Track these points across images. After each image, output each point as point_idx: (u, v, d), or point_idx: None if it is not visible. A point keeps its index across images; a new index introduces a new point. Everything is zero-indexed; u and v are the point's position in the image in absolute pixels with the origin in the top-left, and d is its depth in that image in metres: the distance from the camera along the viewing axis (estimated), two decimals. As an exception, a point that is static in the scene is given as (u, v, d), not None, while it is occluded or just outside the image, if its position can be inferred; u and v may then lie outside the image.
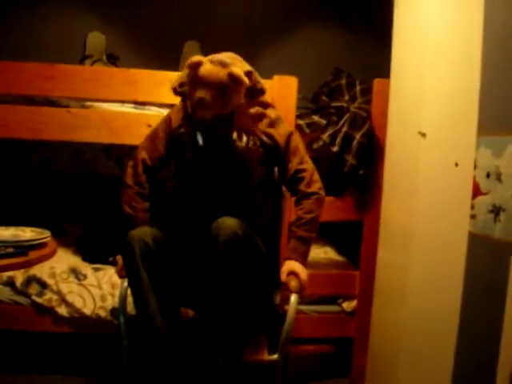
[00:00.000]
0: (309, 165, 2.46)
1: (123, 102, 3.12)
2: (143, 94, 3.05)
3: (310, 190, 2.40)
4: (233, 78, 2.14)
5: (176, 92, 2.35)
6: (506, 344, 2.12)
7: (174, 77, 2.49)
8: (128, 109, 3.13)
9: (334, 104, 3.35)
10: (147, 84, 3.05)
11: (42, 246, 2.28)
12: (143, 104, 3.11)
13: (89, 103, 3.11)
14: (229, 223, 2.12)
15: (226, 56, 2.22)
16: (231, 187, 2.37)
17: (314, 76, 3.60)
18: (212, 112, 2.23)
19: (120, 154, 3.92)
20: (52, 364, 3.15)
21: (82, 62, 3.77)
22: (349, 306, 3.32)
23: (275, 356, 2.30)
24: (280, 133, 2.43)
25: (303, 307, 3.21)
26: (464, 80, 2.50)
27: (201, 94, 2.18)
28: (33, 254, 2.18)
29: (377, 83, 3.20)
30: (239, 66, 2.20)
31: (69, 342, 3.17)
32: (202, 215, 2.37)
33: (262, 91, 2.34)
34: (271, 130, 2.41)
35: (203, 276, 2.27)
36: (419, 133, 2.58)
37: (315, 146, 3.17)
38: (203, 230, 2.24)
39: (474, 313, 2.42)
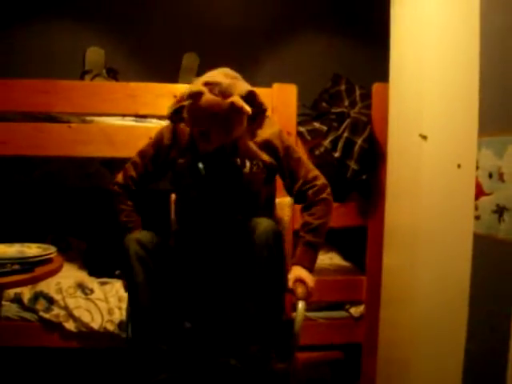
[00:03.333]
0: (316, 173, 2.43)
1: (124, 115, 3.14)
2: (144, 107, 3.06)
3: (320, 197, 2.38)
4: (235, 109, 2.08)
5: (172, 120, 2.30)
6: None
7: (173, 89, 2.49)
8: (129, 122, 3.14)
9: (334, 110, 3.36)
10: (147, 97, 3.06)
11: (48, 261, 2.29)
12: (144, 117, 3.13)
13: (89, 118, 3.13)
14: (267, 221, 2.16)
15: (223, 76, 2.15)
16: (239, 212, 2.34)
17: (313, 83, 3.62)
18: (215, 144, 2.19)
19: (123, 167, 3.92)
20: (61, 380, 3.14)
21: (82, 77, 3.79)
22: (356, 311, 3.32)
23: (284, 364, 2.30)
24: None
25: (311, 314, 3.21)
26: (463, 81, 2.50)
27: (204, 126, 2.14)
28: (39, 270, 2.18)
29: (376, 88, 3.21)
30: (239, 90, 2.13)
31: (77, 357, 3.17)
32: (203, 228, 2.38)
33: (263, 112, 2.29)
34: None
35: (209, 284, 2.29)
36: (420, 135, 2.58)
37: (317, 152, 3.17)
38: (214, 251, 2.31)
39: (481, 313, 2.42)
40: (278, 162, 2.38)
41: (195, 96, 2.09)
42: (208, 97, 2.08)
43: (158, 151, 2.40)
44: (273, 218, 2.48)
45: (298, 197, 2.44)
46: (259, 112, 2.25)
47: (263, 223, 2.14)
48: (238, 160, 2.31)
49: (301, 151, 2.52)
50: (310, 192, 2.38)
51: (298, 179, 2.40)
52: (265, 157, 2.34)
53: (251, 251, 2.12)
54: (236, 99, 2.07)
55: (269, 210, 2.47)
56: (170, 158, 2.37)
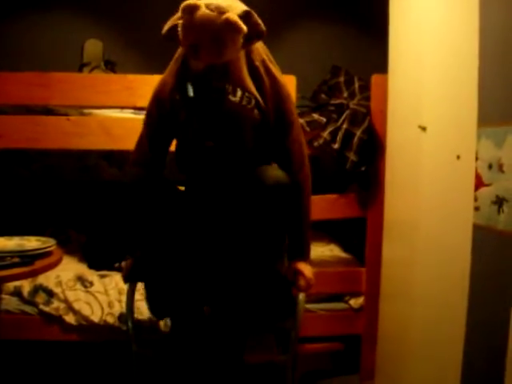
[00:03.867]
0: (301, 145, 2.31)
1: (122, 108, 3.13)
2: (142, 100, 3.03)
3: (297, 178, 2.23)
4: (230, 24, 1.96)
5: (166, 38, 2.14)
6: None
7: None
8: (127, 114, 3.13)
9: (333, 101, 3.35)
10: (146, 89, 3.01)
11: (48, 254, 2.29)
12: (142, 109, 3.11)
13: (88, 110, 3.12)
14: (276, 171, 2.11)
15: (223, 0, 2.02)
16: (224, 143, 2.22)
17: (312, 74, 3.61)
18: (205, 61, 2.09)
19: (121, 159, 3.92)
20: (61, 372, 3.15)
21: (80, 69, 3.78)
22: (356, 302, 3.32)
23: (284, 355, 2.31)
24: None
25: (311, 306, 3.21)
26: (462, 72, 2.49)
27: (195, 40, 2.01)
28: (39, 263, 2.19)
29: (375, 79, 3.20)
30: (236, 10, 2.01)
31: (77, 350, 3.17)
32: (203, 172, 2.29)
33: (259, 35, 2.10)
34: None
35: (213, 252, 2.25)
36: (419, 127, 2.57)
37: (316, 143, 3.17)
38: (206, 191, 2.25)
39: (481, 305, 2.42)
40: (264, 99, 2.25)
41: (190, 10, 1.98)
42: (203, 11, 1.97)
43: (159, 103, 2.31)
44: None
45: (279, 161, 2.31)
46: (255, 35, 2.09)
47: (273, 173, 2.08)
48: (229, 86, 2.18)
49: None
50: (291, 169, 2.24)
51: (281, 145, 2.29)
52: (257, 94, 2.21)
53: (258, 204, 2.06)
54: (231, 15, 1.96)
55: (260, 161, 2.29)
56: (172, 100, 2.27)
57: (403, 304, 2.80)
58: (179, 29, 2.04)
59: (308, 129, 3.16)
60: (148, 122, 2.37)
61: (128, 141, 2.93)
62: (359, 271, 3.33)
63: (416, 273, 2.65)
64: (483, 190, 2.38)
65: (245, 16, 2.01)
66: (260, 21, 2.06)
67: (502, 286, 2.21)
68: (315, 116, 3.24)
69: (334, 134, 3.17)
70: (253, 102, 2.19)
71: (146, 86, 3.04)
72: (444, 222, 2.55)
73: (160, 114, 2.30)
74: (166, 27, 2.14)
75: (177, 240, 2.21)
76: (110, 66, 3.85)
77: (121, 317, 2.98)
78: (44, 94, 3.00)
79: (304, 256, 2.30)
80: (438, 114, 2.55)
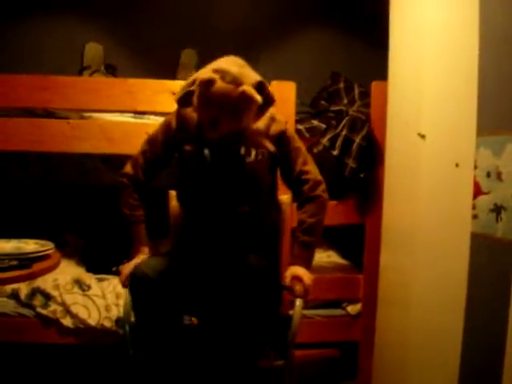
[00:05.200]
0: (312, 166, 2.44)
1: (122, 111, 3.13)
2: (142, 104, 3.06)
3: (313, 194, 2.38)
4: (246, 98, 2.08)
5: (181, 104, 2.27)
6: (511, 340, 2.11)
7: (172, 86, 2.49)
8: (127, 118, 3.14)
9: (332, 108, 3.36)
10: (146, 93, 3.05)
11: (46, 257, 2.29)
12: (142, 113, 3.12)
13: (88, 114, 3.12)
14: (259, 260, 2.23)
15: (232, 63, 2.15)
16: (243, 200, 2.35)
17: (312, 81, 3.61)
18: (224, 131, 2.18)
19: (120, 163, 3.91)
20: (58, 376, 3.14)
21: (80, 73, 3.79)
22: (353, 309, 3.32)
23: (281, 361, 2.30)
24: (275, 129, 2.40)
25: (308, 311, 3.21)
26: (462, 80, 2.50)
27: (214, 114, 2.12)
28: (36, 266, 2.19)
29: (375, 86, 3.20)
30: (249, 79, 2.12)
31: (74, 354, 3.17)
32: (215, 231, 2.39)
33: (272, 102, 2.25)
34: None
35: (210, 283, 2.29)
36: (419, 134, 2.58)
37: (315, 150, 3.17)
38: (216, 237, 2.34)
39: (478, 312, 2.42)
40: (280, 151, 2.40)
41: (207, 84, 2.07)
42: (220, 84, 2.06)
43: (167, 136, 2.41)
44: (275, 204, 2.54)
45: (293, 187, 2.46)
46: (267, 102, 2.22)
47: (256, 261, 2.20)
48: (243, 148, 2.31)
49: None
50: (306, 187, 2.39)
51: (294, 169, 2.40)
52: (269, 145, 2.35)
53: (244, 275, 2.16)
54: (247, 88, 2.07)
55: (272, 196, 2.52)
56: (178, 142, 2.38)
57: (401, 311, 2.80)
58: (195, 99, 2.14)
59: (307, 135, 3.17)
60: (149, 145, 2.47)
61: (128, 145, 2.95)
62: (357, 278, 3.33)
63: (414, 280, 2.65)
64: (481, 198, 2.38)
65: (258, 85, 2.13)
66: (270, 90, 2.21)
67: (499, 293, 2.21)
68: (315, 122, 3.25)
69: (333, 140, 3.18)
70: (265, 153, 2.35)
71: (146, 90, 3.06)
72: (442, 230, 2.55)
73: (164, 143, 2.43)
74: (179, 93, 2.22)
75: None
76: (111, 70, 3.86)
77: (118, 321, 2.98)
78: (45, 97, 3.00)
79: (306, 263, 2.32)
80: (437, 122, 2.55)
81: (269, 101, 2.21)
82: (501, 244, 2.23)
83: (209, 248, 2.38)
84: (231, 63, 2.15)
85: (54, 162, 3.93)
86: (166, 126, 2.42)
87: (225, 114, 2.11)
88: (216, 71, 2.09)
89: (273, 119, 2.38)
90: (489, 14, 2.40)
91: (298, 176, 2.40)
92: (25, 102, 3.00)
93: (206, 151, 2.29)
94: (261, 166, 2.34)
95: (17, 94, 2.98)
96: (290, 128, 2.57)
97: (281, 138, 2.38)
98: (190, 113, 2.34)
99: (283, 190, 2.59)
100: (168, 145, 2.41)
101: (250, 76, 2.15)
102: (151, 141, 2.45)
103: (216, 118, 2.12)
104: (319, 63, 4.31)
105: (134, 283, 2.21)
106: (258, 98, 2.10)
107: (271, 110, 2.35)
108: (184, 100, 2.21)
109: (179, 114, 2.39)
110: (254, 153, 2.31)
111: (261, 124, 2.34)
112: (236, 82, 2.07)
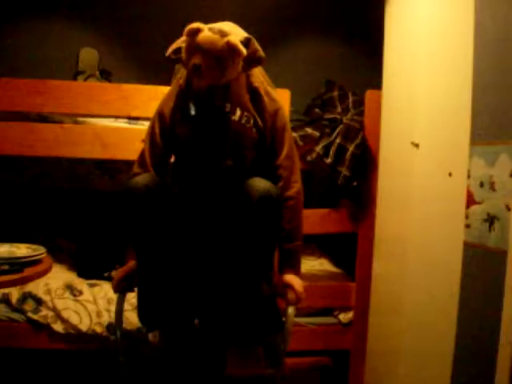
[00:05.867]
0: (291, 161, 2.36)
1: (117, 117, 3.13)
2: (136, 109, 3.05)
3: (287, 194, 2.29)
4: (230, 47, 2.06)
5: (171, 59, 2.23)
6: (502, 352, 2.12)
7: (166, 92, 2.47)
8: (121, 124, 3.13)
9: (326, 116, 3.36)
10: (140, 99, 3.05)
11: (37, 262, 2.28)
12: (136, 119, 3.12)
13: (82, 119, 3.12)
14: (264, 183, 2.14)
15: (225, 24, 2.16)
16: (226, 160, 2.29)
17: (306, 89, 3.62)
18: (207, 81, 2.17)
19: (114, 169, 3.91)
20: (48, 381, 3.13)
21: (75, 77, 3.78)
22: (345, 317, 3.32)
23: (272, 369, 2.30)
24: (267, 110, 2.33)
25: (300, 319, 3.21)
26: (456, 90, 2.51)
27: (197, 60, 2.10)
28: (28, 271, 2.18)
29: (369, 95, 3.21)
30: (237, 35, 2.12)
31: (65, 359, 3.15)
32: (198, 187, 2.34)
33: (259, 60, 2.20)
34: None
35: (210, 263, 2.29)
36: (412, 143, 2.59)
37: (309, 158, 3.17)
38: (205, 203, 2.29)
39: (470, 321, 2.43)
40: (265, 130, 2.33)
41: (193, 32, 2.09)
42: (205, 33, 2.09)
43: (161, 119, 2.38)
44: None
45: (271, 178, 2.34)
46: (254, 60, 2.19)
47: (260, 186, 2.12)
48: (228, 105, 2.27)
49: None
50: (279, 185, 2.30)
51: (274, 159, 2.34)
52: (255, 114, 2.30)
53: (246, 218, 2.12)
54: (232, 39, 2.07)
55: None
56: (173, 119, 2.35)
57: (392, 319, 2.80)
58: (183, 50, 2.14)
59: (301, 143, 3.17)
60: (150, 139, 2.42)
61: (122, 150, 2.94)
62: (349, 286, 3.33)
63: (406, 288, 2.65)
64: (474, 208, 2.39)
65: (246, 42, 2.12)
66: (260, 47, 2.17)
67: (491, 303, 2.22)
68: (309, 130, 3.25)
69: (326, 148, 3.18)
70: (251, 121, 2.28)
71: (140, 95, 3.05)
72: (435, 239, 2.56)
73: (162, 131, 2.37)
74: (170, 49, 2.21)
75: (169, 248, 2.24)
76: (105, 75, 3.85)
77: (109, 326, 2.97)
78: (39, 101, 2.99)
79: (295, 269, 2.30)
80: (430, 131, 2.56)
81: (256, 58, 2.18)
82: (493, 254, 2.24)
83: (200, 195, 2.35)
84: (225, 23, 2.18)
85: (47, 167, 3.92)
86: (158, 111, 2.40)
87: (208, 60, 2.09)
88: (207, 26, 2.12)
89: (268, 95, 2.33)
90: (484, 25, 2.41)
91: (275, 169, 2.33)
92: (19, 106, 2.99)
93: (191, 104, 2.28)
94: (244, 131, 2.28)
95: (11, 98, 2.97)
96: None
97: (274, 116, 2.33)
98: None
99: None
100: (165, 129, 2.37)
101: (239, 33, 2.16)
102: (149, 130, 2.41)
103: (199, 64, 2.10)
104: (313, 71, 4.32)
105: (132, 197, 2.17)
106: (243, 49, 2.08)
107: (271, 90, 2.34)
108: (174, 56, 2.20)
109: (168, 94, 2.40)
110: (238, 113, 2.27)
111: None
112: (222, 33, 2.08)
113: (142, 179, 2.19)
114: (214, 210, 2.30)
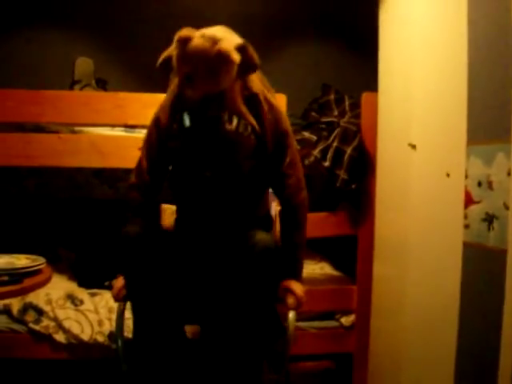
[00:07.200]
0: (296, 168, 2.34)
1: (113, 125, 3.13)
2: (133, 118, 3.06)
3: (295, 202, 2.31)
4: (222, 55, 1.97)
5: (161, 69, 2.15)
6: (504, 351, 2.11)
7: (162, 99, 2.46)
8: (118, 132, 3.14)
9: (323, 119, 3.37)
10: (137, 107, 3.05)
11: (37, 272, 2.27)
12: (133, 127, 3.12)
13: (79, 128, 3.12)
14: (265, 236, 2.15)
15: (218, 30, 2.07)
16: (222, 172, 2.26)
17: (303, 93, 3.63)
18: (199, 91, 2.09)
19: (113, 177, 3.91)
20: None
21: (71, 87, 3.78)
22: (347, 320, 3.31)
23: (275, 374, 2.29)
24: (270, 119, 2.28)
25: (301, 323, 3.20)
26: (452, 90, 2.51)
27: (188, 69, 2.02)
28: (28, 282, 2.17)
29: (365, 97, 3.21)
30: (231, 41, 2.04)
31: (67, 369, 3.15)
32: (199, 202, 2.33)
33: (253, 67, 2.12)
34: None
35: (207, 282, 2.28)
36: (409, 145, 2.59)
37: (306, 162, 3.17)
38: (204, 220, 2.30)
39: (472, 322, 2.42)
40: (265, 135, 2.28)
41: (184, 40, 2.01)
42: (196, 41, 2.00)
43: (158, 128, 2.34)
44: (263, 197, 2.45)
45: (276, 190, 2.38)
46: (249, 67, 2.11)
47: (262, 240, 2.12)
48: (225, 115, 2.21)
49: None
50: (287, 193, 2.31)
51: (278, 167, 2.31)
52: (253, 121, 2.24)
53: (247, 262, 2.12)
54: (224, 46, 1.98)
55: (256, 185, 2.37)
56: (169, 129, 2.31)
57: (394, 322, 2.80)
58: (174, 59, 2.06)
59: (298, 147, 3.17)
60: (147, 147, 2.40)
61: (119, 158, 2.94)
62: (350, 289, 3.33)
63: (407, 290, 2.65)
64: (473, 208, 2.39)
65: (240, 49, 2.03)
66: (255, 54, 2.10)
67: (492, 303, 2.21)
68: (306, 134, 3.25)
69: (324, 151, 3.19)
70: (249, 128, 2.23)
71: (136, 104, 3.06)
72: (434, 240, 2.56)
73: (159, 140, 2.34)
74: (160, 58, 2.15)
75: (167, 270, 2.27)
76: (101, 84, 3.86)
77: (111, 335, 2.96)
78: (35, 111, 2.99)
79: (296, 276, 2.30)
80: (427, 132, 2.56)
81: (251, 65, 2.10)
82: (493, 253, 2.24)
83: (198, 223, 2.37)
84: (217, 29, 2.09)
85: (45, 177, 3.92)
86: (154, 121, 2.37)
87: (200, 70, 2.01)
88: (198, 32, 2.04)
89: (268, 101, 2.29)
90: (477, 26, 2.41)
91: (281, 178, 2.31)
92: (15, 116, 3.00)
93: (185, 115, 2.23)
94: (241, 140, 2.23)
95: (7, 108, 2.97)
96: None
97: (274, 123, 2.28)
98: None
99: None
100: (162, 138, 2.34)
101: (233, 39, 2.07)
102: (146, 140, 2.39)
103: (191, 73, 2.03)
104: (310, 75, 4.33)
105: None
106: (236, 57, 2.00)
107: (270, 96, 2.29)
108: (165, 65, 2.12)
109: (162, 106, 2.37)
110: (235, 122, 2.21)
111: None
112: (215, 40, 1.99)
113: (132, 230, 2.20)
114: (214, 246, 2.31)
